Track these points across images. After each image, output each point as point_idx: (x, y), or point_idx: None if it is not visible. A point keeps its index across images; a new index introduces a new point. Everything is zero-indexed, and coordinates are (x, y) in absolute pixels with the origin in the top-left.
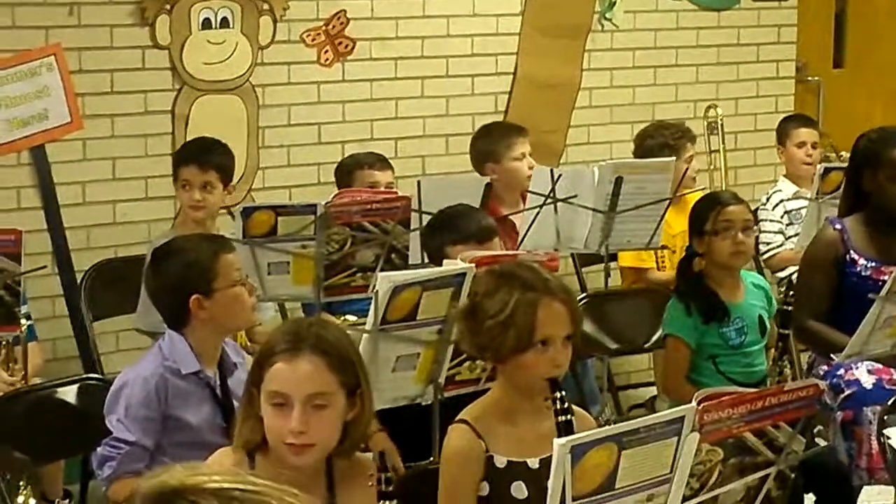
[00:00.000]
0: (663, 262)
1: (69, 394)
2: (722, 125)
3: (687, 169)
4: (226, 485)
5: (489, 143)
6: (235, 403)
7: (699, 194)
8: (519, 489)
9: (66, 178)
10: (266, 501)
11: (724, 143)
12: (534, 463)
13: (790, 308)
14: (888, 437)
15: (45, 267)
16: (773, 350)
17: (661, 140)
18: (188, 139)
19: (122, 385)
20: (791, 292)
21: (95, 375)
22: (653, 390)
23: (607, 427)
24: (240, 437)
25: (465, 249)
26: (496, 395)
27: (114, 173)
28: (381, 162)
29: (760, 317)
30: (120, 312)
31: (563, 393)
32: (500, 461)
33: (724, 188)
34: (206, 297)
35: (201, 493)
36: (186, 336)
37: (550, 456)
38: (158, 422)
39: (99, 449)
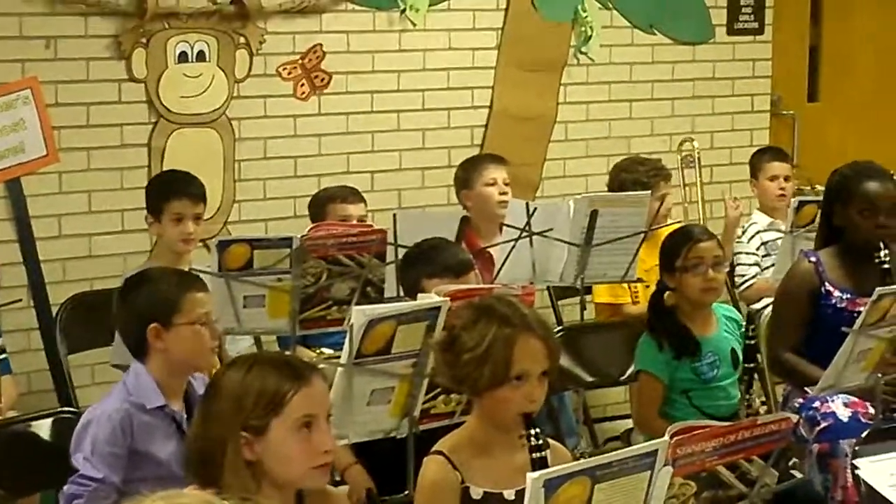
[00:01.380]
0: (637, 296)
1: (44, 427)
2: (699, 158)
3: (661, 206)
4: None
5: (464, 172)
6: None
7: (672, 228)
8: None
9: (41, 211)
10: None
11: (700, 176)
12: (510, 494)
13: (754, 342)
14: (858, 468)
15: (20, 300)
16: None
17: (634, 176)
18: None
19: (87, 422)
20: (753, 326)
21: (70, 409)
22: (629, 423)
23: (580, 461)
24: (229, 491)
25: (441, 283)
26: (471, 428)
27: (90, 206)
28: (354, 195)
29: (733, 350)
30: (95, 346)
31: (538, 430)
32: (476, 492)
33: (701, 222)
34: (165, 329)
35: None
36: (150, 369)
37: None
38: (125, 458)
39: (66, 487)
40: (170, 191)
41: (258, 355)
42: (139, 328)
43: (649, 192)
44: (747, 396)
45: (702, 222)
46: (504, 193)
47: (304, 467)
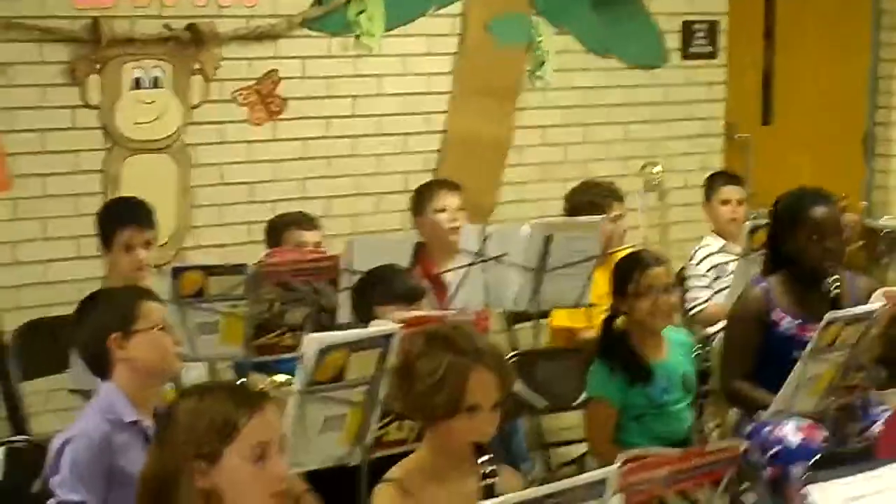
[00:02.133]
0: (593, 321)
1: None
2: (661, 182)
3: (613, 228)
4: None
5: (417, 198)
6: None
7: (625, 253)
8: None
9: None
10: None
11: (662, 200)
12: None
13: (708, 365)
14: (809, 494)
15: None
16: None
17: (587, 198)
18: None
19: (63, 443)
20: (707, 349)
21: (24, 437)
22: (584, 447)
23: (531, 489)
24: None
25: (393, 310)
26: (423, 455)
27: (45, 233)
28: (310, 221)
29: (685, 374)
30: (49, 372)
31: (489, 456)
32: None
33: (663, 246)
34: (126, 338)
35: None
36: (118, 384)
37: None
38: (105, 478)
39: None
40: (117, 220)
41: (210, 384)
42: (99, 342)
43: (603, 216)
44: (700, 419)
45: (661, 246)
46: (454, 220)
47: (261, 495)
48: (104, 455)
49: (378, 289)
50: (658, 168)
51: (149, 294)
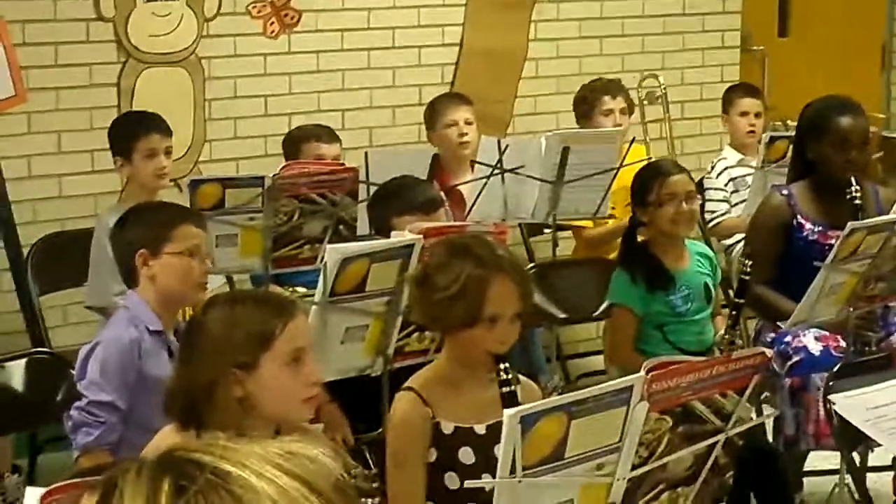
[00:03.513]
0: None
1: (17, 368)
2: (664, 94)
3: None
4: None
5: (429, 112)
6: None
7: (637, 155)
8: (466, 455)
9: (10, 152)
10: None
11: (668, 111)
12: (480, 429)
13: (748, 277)
14: (833, 403)
15: None
16: (718, 318)
17: (580, 94)
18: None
19: (93, 348)
20: (749, 262)
21: (43, 350)
22: (602, 359)
23: (557, 397)
24: (216, 429)
25: (410, 221)
26: (442, 364)
27: (59, 147)
28: (329, 134)
29: (706, 285)
30: (67, 286)
31: (507, 364)
32: (447, 427)
33: (670, 157)
34: (153, 256)
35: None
36: (142, 296)
37: (497, 422)
38: (132, 383)
39: (73, 413)
40: (139, 128)
41: (238, 293)
42: (129, 252)
43: (620, 127)
44: (733, 330)
45: (670, 157)
46: (464, 134)
47: (297, 400)
48: (134, 358)
49: (394, 199)
50: (660, 79)
51: (193, 218)
